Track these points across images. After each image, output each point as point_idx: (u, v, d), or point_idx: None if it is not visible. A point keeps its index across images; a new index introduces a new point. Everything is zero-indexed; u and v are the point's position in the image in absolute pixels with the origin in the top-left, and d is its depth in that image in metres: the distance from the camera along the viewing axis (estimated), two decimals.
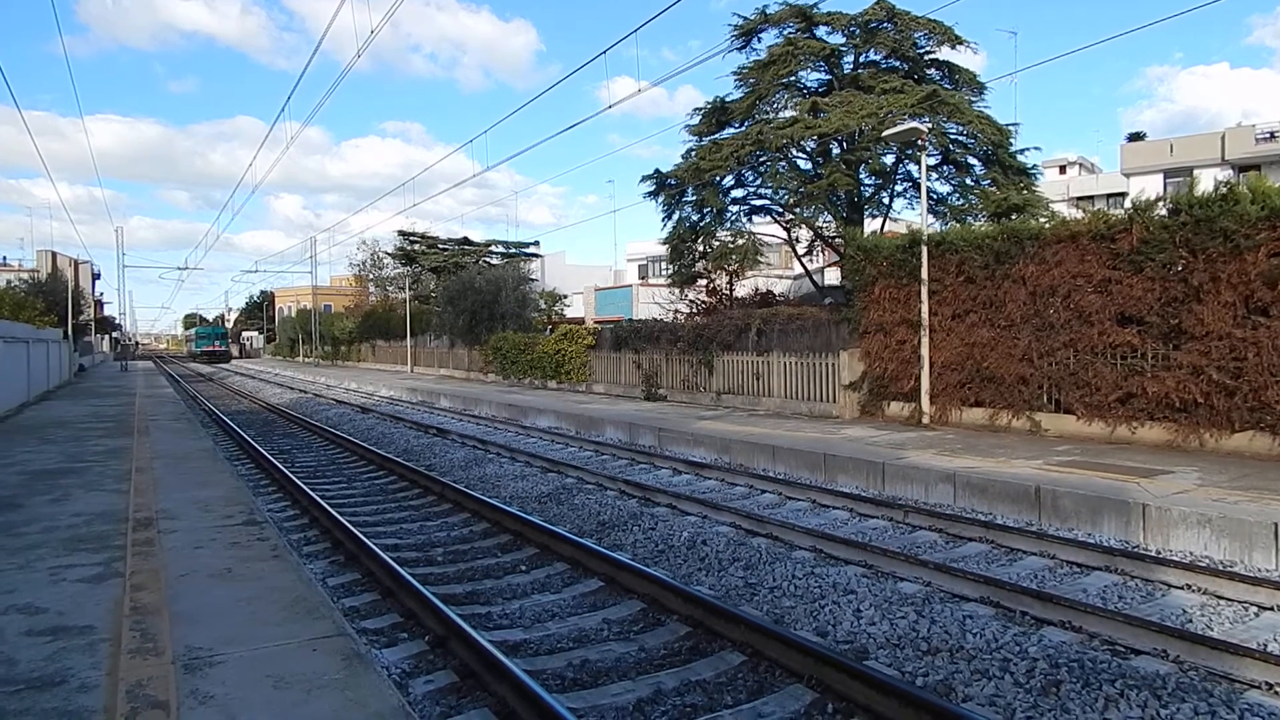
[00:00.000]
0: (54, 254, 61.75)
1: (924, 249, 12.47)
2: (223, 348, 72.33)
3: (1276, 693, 4.10)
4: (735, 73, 21.34)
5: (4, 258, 72.46)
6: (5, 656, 3.57)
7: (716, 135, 21.59)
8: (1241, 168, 28.98)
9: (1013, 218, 17.27)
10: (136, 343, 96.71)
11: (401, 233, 51.28)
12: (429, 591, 5.51)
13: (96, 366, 49.13)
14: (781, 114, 20.66)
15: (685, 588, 5.50)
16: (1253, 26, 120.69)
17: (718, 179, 20.89)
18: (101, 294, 75.76)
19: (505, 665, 4.21)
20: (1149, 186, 27.21)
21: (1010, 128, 19.77)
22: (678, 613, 5.33)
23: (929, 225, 14.07)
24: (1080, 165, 46.08)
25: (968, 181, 20.27)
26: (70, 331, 37.06)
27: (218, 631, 3.85)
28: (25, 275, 51.60)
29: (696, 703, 4.20)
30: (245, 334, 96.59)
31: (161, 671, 3.38)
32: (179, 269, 56.78)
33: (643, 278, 48.05)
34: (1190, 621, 5.15)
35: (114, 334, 79.76)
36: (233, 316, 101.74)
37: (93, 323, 60.14)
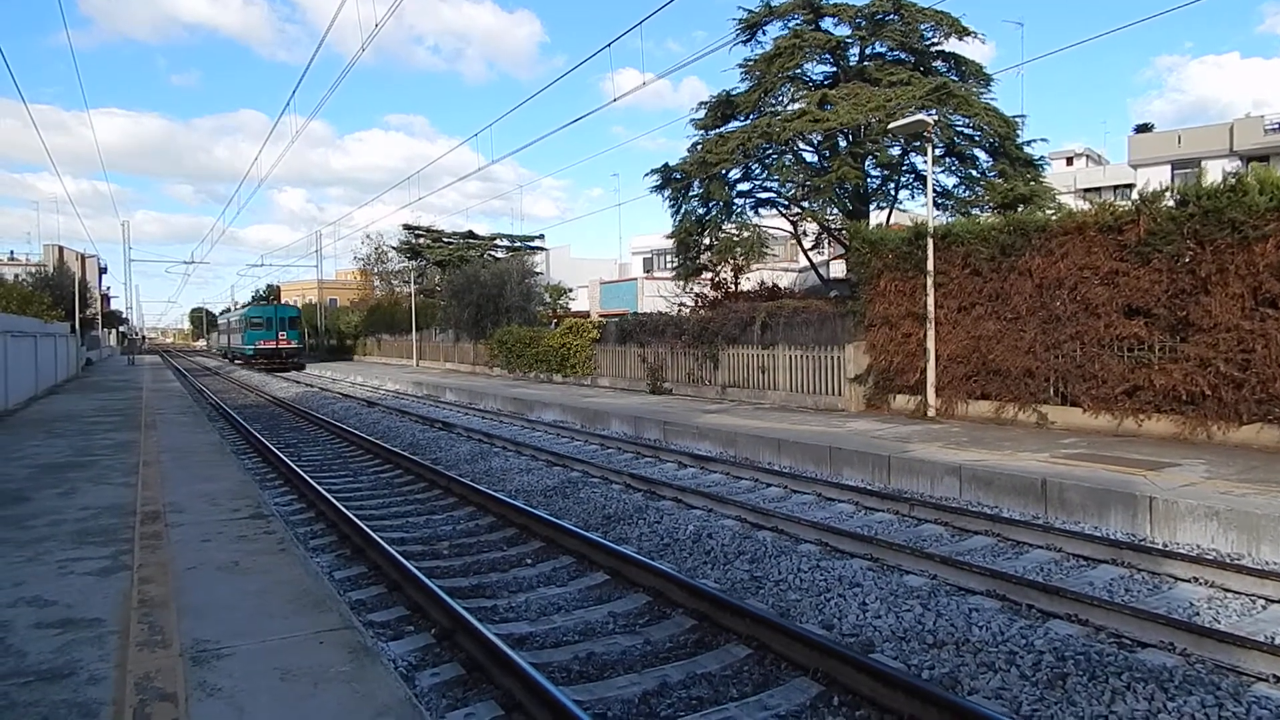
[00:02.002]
0: (60, 248, 61.94)
1: (929, 241, 12.42)
2: (293, 344, 41.20)
3: None
4: (741, 65, 21.24)
5: (11, 252, 72.95)
6: (15, 649, 3.59)
7: (722, 128, 21.52)
8: (1250, 159, 28.74)
9: (1019, 210, 17.19)
10: (143, 337, 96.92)
11: (406, 226, 51.31)
12: (435, 584, 5.53)
13: (103, 361, 49.35)
14: (788, 107, 20.59)
15: (691, 581, 5.51)
16: (1264, 15, 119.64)
17: (724, 172, 20.85)
18: (108, 288, 76.02)
19: (511, 658, 4.22)
20: (1157, 178, 26.98)
21: (1017, 119, 19.67)
22: (683, 606, 5.33)
23: (934, 217, 14.01)
24: (1088, 157, 45.92)
25: (974, 173, 20.18)
26: (77, 325, 37.20)
27: (225, 624, 3.87)
28: (32, 269, 51.75)
29: (702, 695, 4.20)
30: None
31: (169, 664, 3.40)
32: (185, 263, 56.35)
33: (648, 271, 47.97)
34: (1197, 614, 5.14)
35: (121, 328, 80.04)
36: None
37: (99, 317, 60.29)
